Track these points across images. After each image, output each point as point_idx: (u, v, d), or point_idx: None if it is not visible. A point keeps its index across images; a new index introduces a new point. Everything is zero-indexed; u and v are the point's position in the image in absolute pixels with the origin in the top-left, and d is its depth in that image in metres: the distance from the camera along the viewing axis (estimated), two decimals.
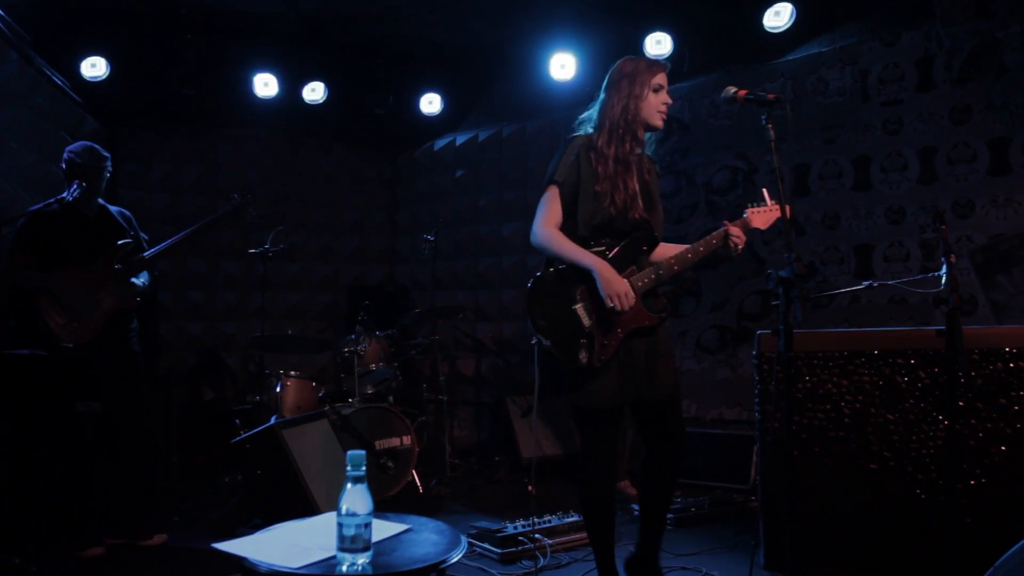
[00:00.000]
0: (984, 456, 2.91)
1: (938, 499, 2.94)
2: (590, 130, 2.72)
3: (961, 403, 2.92)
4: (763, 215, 2.78)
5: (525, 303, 2.55)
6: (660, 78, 2.66)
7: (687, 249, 2.69)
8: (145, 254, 3.72)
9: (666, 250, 2.75)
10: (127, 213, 3.93)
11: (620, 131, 2.61)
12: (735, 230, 2.71)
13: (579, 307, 2.54)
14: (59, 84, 5.24)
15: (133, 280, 3.70)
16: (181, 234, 3.81)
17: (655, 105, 2.65)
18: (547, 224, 2.59)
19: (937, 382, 2.98)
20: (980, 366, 2.94)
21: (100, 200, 3.81)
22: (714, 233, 2.73)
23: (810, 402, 3.15)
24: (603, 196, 2.58)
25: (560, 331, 2.52)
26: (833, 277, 4.94)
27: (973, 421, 2.93)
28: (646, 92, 2.63)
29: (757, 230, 2.78)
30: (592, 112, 2.74)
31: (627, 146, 2.62)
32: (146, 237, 4.02)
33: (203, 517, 4.21)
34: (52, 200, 3.54)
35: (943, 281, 2.52)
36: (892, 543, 3.02)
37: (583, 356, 2.50)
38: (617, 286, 2.50)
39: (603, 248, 2.60)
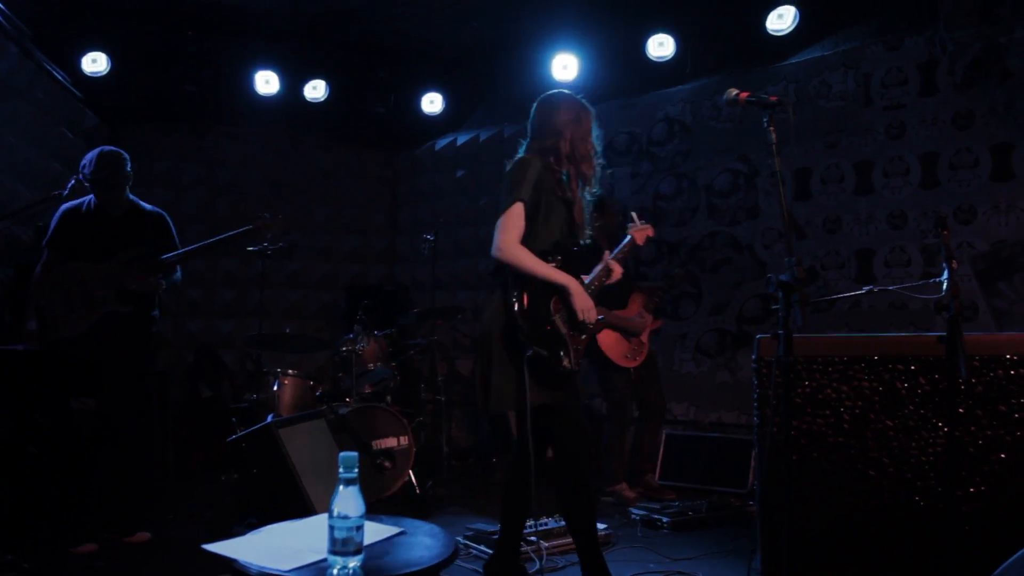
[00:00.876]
0: (984, 463, 2.88)
1: (937, 506, 2.92)
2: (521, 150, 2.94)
3: (961, 410, 2.90)
4: (640, 233, 3.29)
5: (517, 321, 2.69)
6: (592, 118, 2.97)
7: (595, 277, 2.99)
8: (162, 257, 3.72)
9: None
10: (161, 215, 3.90)
11: (578, 156, 2.88)
12: (615, 266, 3.04)
13: (557, 318, 2.76)
14: (59, 79, 5.22)
15: (160, 279, 3.72)
16: (197, 244, 3.82)
17: (593, 139, 2.94)
18: (514, 240, 2.78)
19: (937, 389, 2.96)
20: (980, 373, 2.92)
21: (132, 197, 3.82)
22: (602, 269, 3.01)
23: (809, 407, 3.12)
24: (568, 216, 2.87)
25: (550, 342, 2.72)
26: (834, 282, 4.92)
27: (973, 428, 2.90)
28: (591, 127, 2.93)
29: (639, 247, 3.25)
30: (546, 137, 2.90)
31: (581, 170, 2.90)
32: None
33: (199, 515, 4.18)
34: (83, 198, 3.71)
35: (944, 287, 2.50)
36: (890, 550, 3.00)
37: (566, 362, 2.72)
38: (587, 301, 2.77)
39: (555, 263, 2.81)
